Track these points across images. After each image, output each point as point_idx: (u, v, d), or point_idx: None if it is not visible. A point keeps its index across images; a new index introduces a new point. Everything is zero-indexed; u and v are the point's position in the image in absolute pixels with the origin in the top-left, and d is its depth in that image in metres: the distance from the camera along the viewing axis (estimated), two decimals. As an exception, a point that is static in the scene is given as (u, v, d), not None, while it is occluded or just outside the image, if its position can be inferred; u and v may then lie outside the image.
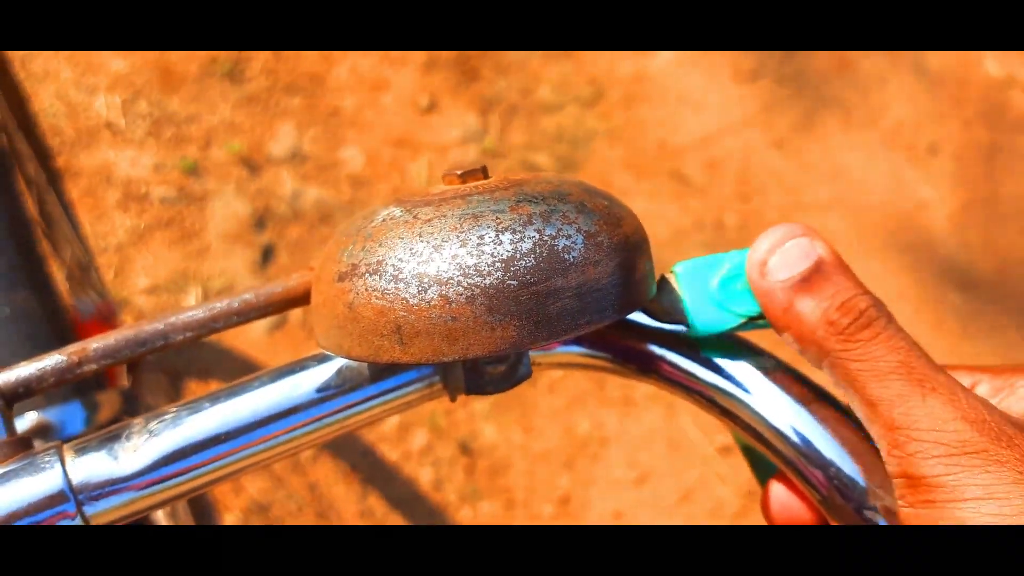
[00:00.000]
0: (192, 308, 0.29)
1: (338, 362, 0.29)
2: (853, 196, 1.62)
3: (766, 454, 0.31)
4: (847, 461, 0.29)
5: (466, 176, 0.27)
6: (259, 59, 1.42)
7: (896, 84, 1.77)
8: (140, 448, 0.26)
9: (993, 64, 1.85)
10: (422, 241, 0.23)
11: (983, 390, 0.30)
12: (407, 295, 0.23)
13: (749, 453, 0.35)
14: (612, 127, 1.56)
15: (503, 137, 1.48)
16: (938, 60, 1.82)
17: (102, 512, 0.26)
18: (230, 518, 1.09)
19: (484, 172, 0.27)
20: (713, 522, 1.26)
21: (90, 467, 0.26)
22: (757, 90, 1.68)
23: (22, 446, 0.27)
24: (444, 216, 0.24)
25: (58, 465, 0.26)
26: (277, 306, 0.30)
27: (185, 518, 0.65)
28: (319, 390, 0.28)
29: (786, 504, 0.31)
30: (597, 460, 1.27)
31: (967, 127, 1.76)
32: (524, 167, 1.47)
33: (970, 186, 1.70)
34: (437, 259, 0.23)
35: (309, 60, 1.45)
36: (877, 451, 0.29)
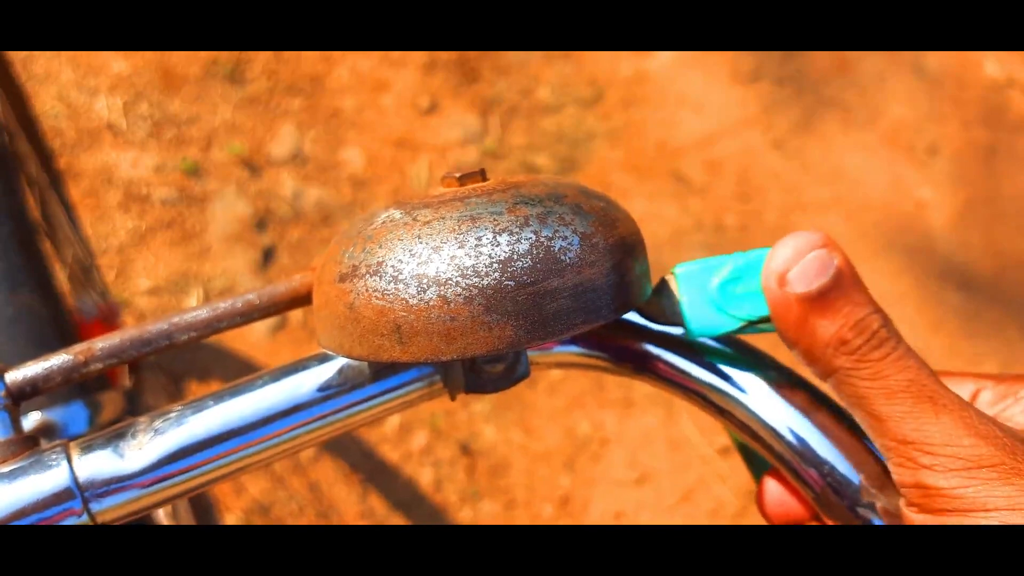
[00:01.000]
0: (196, 308, 0.30)
1: (339, 362, 0.29)
2: (853, 196, 1.62)
3: (761, 452, 0.31)
4: (840, 460, 0.29)
5: (464, 179, 0.27)
6: (260, 60, 1.42)
7: (895, 84, 1.77)
8: (146, 446, 0.27)
9: (992, 64, 1.85)
10: (421, 243, 0.24)
11: (986, 397, 0.30)
12: (406, 296, 0.24)
13: (744, 450, 0.35)
14: (612, 128, 1.57)
15: (503, 138, 1.49)
16: (937, 60, 1.82)
17: (108, 509, 0.26)
18: (231, 518, 1.10)
19: (482, 175, 0.28)
20: (713, 522, 1.26)
21: (96, 465, 0.26)
22: (756, 90, 1.69)
23: (29, 444, 0.27)
24: (443, 218, 0.24)
25: (65, 463, 0.26)
26: (280, 306, 0.30)
27: (186, 518, 0.65)
28: (321, 389, 0.29)
29: (781, 500, 0.32)
30: (597, 460, 1.27)
31: (967, 127, 1.77)
32: (524, 168, 1.47)
33: (970, 186, 1.70)
34: (436, 260, 0.23)
35: (310, 61, 1.45)
36: (870, 451, 0.29)
